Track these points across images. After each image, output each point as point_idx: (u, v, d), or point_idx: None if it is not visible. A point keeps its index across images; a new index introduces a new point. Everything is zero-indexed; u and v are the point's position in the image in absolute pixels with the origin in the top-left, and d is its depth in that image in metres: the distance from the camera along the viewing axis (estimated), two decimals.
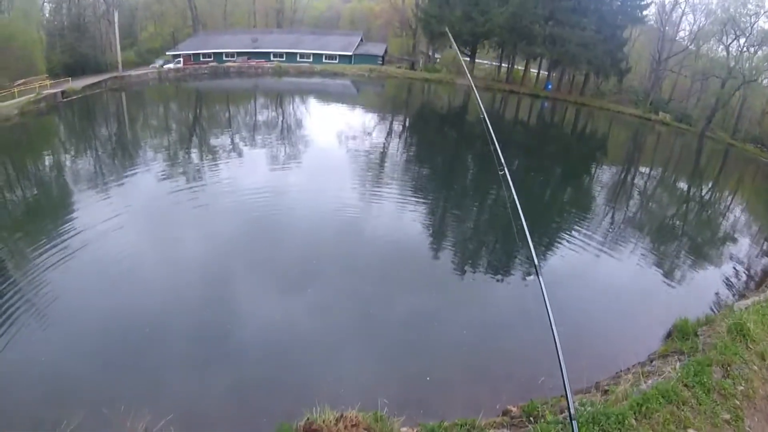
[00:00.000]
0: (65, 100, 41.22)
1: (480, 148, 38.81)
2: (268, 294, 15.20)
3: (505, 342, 13.39)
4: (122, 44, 55.45)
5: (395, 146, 36.24)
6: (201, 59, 64.54)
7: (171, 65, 61.47)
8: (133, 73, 53.14)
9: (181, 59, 63.23)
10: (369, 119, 43.88)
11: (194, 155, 29.11)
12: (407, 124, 45.74)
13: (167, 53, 65.01)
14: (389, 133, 39.98)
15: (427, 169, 31.03)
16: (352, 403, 7.80)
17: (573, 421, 5.77)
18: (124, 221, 18.82)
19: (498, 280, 17.94)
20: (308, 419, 7.55)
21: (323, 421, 7.36)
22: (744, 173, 42.91)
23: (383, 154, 32.47)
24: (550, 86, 70.42)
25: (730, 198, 35.62)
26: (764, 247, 24.67)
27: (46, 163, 28.02)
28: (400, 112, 50.85)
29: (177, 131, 35.40)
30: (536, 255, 6.99)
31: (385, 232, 20.16)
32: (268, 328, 13.51)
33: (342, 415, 7.50)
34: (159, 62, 61.65)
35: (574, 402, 9.39)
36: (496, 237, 22.03)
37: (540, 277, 6.56)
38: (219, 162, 27.31)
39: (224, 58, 65.35)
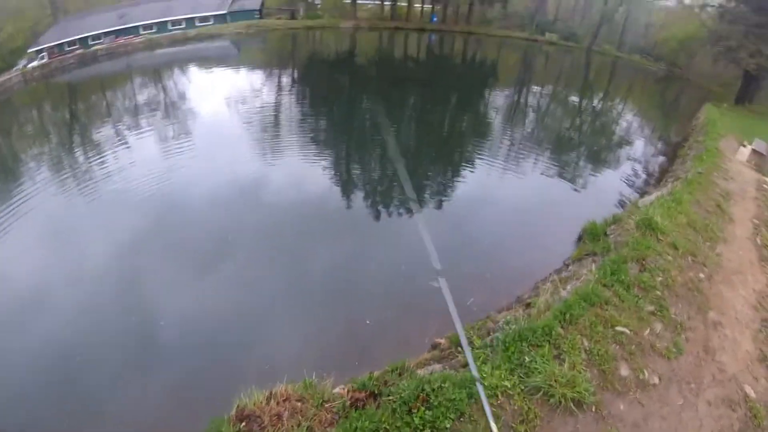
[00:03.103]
0: None
1: (374, 88, 38.09)
2: (186, 283, 13.93)
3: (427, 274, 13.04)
4: None
5: (287, 102, 34.37)
6: (66, 49, 57.37)
7: (35, 63, 54.65)
8: None
9: (45, 54, 56.05)
10: (255, 78, 41.31)
11: (79, 155, 25.63)
12: (296, 76, 43.69)
13: (29, 50, 57.66)
14: (279, 89, 37.92)
15: (324, 120, 29.78)
16: (281, 377, 7.31)
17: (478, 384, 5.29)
18: (19, 244, 16.47)
19: (411, 216, 17.67)
20: (239, 406, 7.04)
21: (254, 404, 6.93)
22: (633, 82, 45.00)
23: (276, 112, 30.69)
24: (435, 19, 69.88)
25: (621, 105, 37.18)
26: (659, 147, 25.95)
27: None
28: (287, 65, 48.60)
29: (55, 134, 31.54)
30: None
31: (291, 191, 19.22)
32: (192, 318, 12.52)
33: (272, 393, 7.11)
34: (22, 63, 54.36)
35: (499, 322, 9.24)
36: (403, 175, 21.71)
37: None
38: (106, 155, 24.03)
39: (90, 43, 58.56)
